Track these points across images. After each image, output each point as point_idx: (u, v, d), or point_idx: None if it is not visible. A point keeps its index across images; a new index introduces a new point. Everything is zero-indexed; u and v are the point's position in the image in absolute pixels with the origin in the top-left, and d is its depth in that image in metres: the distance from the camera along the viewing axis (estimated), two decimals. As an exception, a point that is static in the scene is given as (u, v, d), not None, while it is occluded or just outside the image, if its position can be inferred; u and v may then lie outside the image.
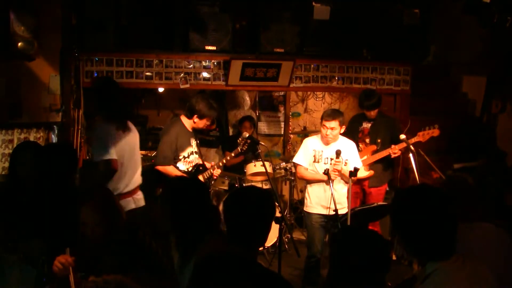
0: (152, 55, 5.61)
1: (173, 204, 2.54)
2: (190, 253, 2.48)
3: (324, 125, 4.54)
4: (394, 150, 5.19)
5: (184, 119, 4.82)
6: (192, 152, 4.83)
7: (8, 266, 2.61)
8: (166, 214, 2.54)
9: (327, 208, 4.56)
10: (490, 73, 6.85)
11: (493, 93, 6.82)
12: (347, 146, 4.72)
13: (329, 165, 4.59)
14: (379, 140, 5.38)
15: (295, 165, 4.85)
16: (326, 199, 4.58)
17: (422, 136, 5.17)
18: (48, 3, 5.10)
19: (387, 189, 5.71)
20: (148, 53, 5.61)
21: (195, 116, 4.74)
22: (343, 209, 4.49)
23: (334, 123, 4.53)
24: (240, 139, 4.96)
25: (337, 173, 4.49)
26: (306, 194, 4.76)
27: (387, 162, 5.46)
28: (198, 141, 4.98)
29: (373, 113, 5.41)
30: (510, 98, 6.66)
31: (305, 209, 4.79)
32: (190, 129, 4.84)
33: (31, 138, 5.12)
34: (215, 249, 2.46)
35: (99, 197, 2.80)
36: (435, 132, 5.18)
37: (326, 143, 4.64)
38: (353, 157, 4.70)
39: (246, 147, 4.92)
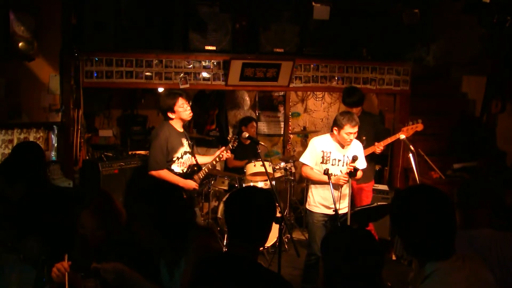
0: (151, 55, 5.61)
1: (151, 212, 2.51)
2: (178, 255, 2.47)
3: (350, 132, 4.49)
4: (380, 147, 5.20)
5: (171, 121, 4.72)
6: (186, 152, 4.79)
7: (8, 266, 2.61)
8: (147, 227, 2.52)
9: (330, 208, 4.56)
10: (490, 73, 6.85)
11: (493, 93, 6.82)
12: (357, 147, 4.72)
13: (336, 167, 4.59)
14: (364, 138, 5.39)
15: (302, 164, 4.82)
16: (329, 199, 4.56)
17: (406, 131, 5.19)
18: (48, 3, 5.10)
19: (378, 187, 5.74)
20: (148, 53, 5.60)
21: (168, 113, 4.63)
22: (345, 209, 4.51)
23: (357, 128, 4.52)
24: (229, 136, 4.92)
25: (344, 181, 4.48)
26: (310, 193, 4.76)
27: (370, 158, 5.46)
28: (190, 142, 4.93)
29: (355, 111, 5.42)
30: (510, 98, 6.66)
31: (307, 207, 4.79)
32: (180, 129, 4.77)
33: (31, 138, 5.14)
34: (206, 245, 2.47)
35: (98, 201, 2.79)
36: (419, 126, 5.19)
37: (344, 147, 4.63)
38: (361, 158, 4.71)
39: (236, 143, 4.88)
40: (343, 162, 4.62)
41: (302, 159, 4.76)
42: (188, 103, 4.78)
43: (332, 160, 4.64)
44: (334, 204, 4.31)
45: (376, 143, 5.21)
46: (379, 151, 5.25)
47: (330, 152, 4.64)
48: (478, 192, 2.94)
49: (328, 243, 2.12)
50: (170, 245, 2.49)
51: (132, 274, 2.39)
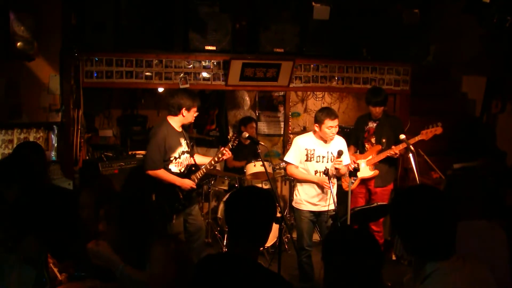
0: (152, 55, 5.61)
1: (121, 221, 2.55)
2: (139, 257, 2.49)
3: (330, 126, 4.59)
4: (395, 151, 5.19)
5: (171, 119, 4.75)
6: (183, 151, 4.79)
7: (8, 266, 2.61)
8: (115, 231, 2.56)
9: (316, 205, 4.71)
10: (490, 73, 6.85)
11: (493, 93, 6.82)
12: (340, 142, 4.82)
13: (321, 164, 4.67)
14: (384, 140, 5.38)
15: (286, 163, 4.90)
16: (315, 197, 4.71)
17: (425, 135, 5.18)
18: (48, 3, 5.10)
19: (392, 189, 5.71)
20: (148, 53, 5.60)
21: (183, 109, 4.69)
22: (330, 205, 4.62)
23: (337, 121, 4.63)
24: (230, 135, 4.93)
25: (334, 174, 4.57)
26: (296, 191, 4.87)
27: (391, 162, 5.46)
28: (188, 141, 4.93)
29: (378, 111, 5.41)
30: (510, 98, 6.66)
31: (294, 205, 4.91)
32: (178, 129, 4.78)
33: (31, 138, 5.13)
34: (173, 251, 2.48)
35: (98, 183, 2.84)
36: (438, 130, 5.18)
37: (326, 142, 4.70)
38: (345, 153, 4.81)
39: (236, 142, 4.89)
40: (327, 158, 4.71)
41: (286, 158, 4.85)
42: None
43: (317, 157, 4.72)
44: (334, 202, 4.40)
45: (393, 147, 5.21)
46: (392, 153, 5.22)
47: (314, 150, 4.72)
48: (465, 185, 2.95)
49: (329, 242, 2.13)
50: (131, 246, 2.51)
51: (103, 248, 2.42)
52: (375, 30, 6.20)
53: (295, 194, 4.86)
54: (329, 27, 5.93)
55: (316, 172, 4.69)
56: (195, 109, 4.76)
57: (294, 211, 4.93)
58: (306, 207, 4.75)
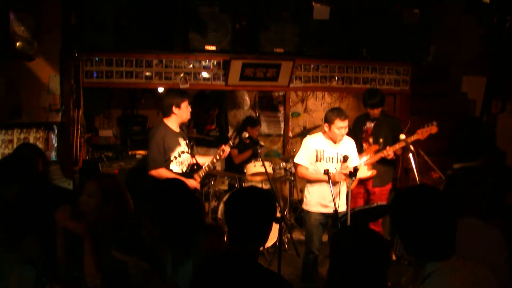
0: (152, 55, 5.61)
1: (160, 207, 2.52)
2: (184, 253, 2.48)
3: (341, 126, 4.56)
4: (389, 151, 5.19)
5: (167, 120, 4.72)
6: (183, 151, 4.79)
7: (8, 266, 2.61)
8: (153, 219, 2.52)
9: (327, 206, 4.62)
10: (490, 73, 6.85)
11: (493, 93, 6.83)
12: (349, 144, 4.79)
13: (331, 164, 4.63)
14: (381, 140, 5.37)
15: (296, 165, 4.86)
16: (326, 198, 4.62)
17: (421, 134, 5.19)
18: (48, 3, 5.11)
19: (391, 189, 5.71)
20: (148, 53, 5.60)
21: (173, 107, 4.67)
22: (342, 206, 4.54)
23: (347, 122, 4.61)
24: (230, 133, 4.93)
25: (343, 177, 4.53)
26: (306, 193, 4.79)
27: (389, 161, 5.45)
28: (187, 141, 4.94)
29: (376, 112, 5.40)
30: (510, 98, 6.67)
31: (304, 207, 4.82)
32: (176, 129, 4.78)
33: (31, 138, 5.14)
34: (213, 247, 2.47)
35: (102, 177, 2.82)
36: (433, 129, 5.19)
37: (336, 142, 4.68)
38: (353, 154, 4.78)
39: (237, 140, 4.88)
40: (337, 159, 4.68)
41: (296, 159, 4.80)
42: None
43: (326, 158, 4.69)
44: (334, 203, 4.35)
45: (388, 147, 5.20)
46: (385, 154, 5.21)
47: (324, 150, 4.69)
48: (465, 185, 2.95)
49: (335, 242, 2.13)
50: (175, 241, 2.49)
51: (157, 280, 2.37)
52: (375, 30, 6.21)
53: (305, 196, 4.79)
54: (329, 27, 5.93)
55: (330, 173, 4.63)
56: (185, 103, 4.70)
57: (304, 213, 4.86)
58: (317, 209, 4.67)
